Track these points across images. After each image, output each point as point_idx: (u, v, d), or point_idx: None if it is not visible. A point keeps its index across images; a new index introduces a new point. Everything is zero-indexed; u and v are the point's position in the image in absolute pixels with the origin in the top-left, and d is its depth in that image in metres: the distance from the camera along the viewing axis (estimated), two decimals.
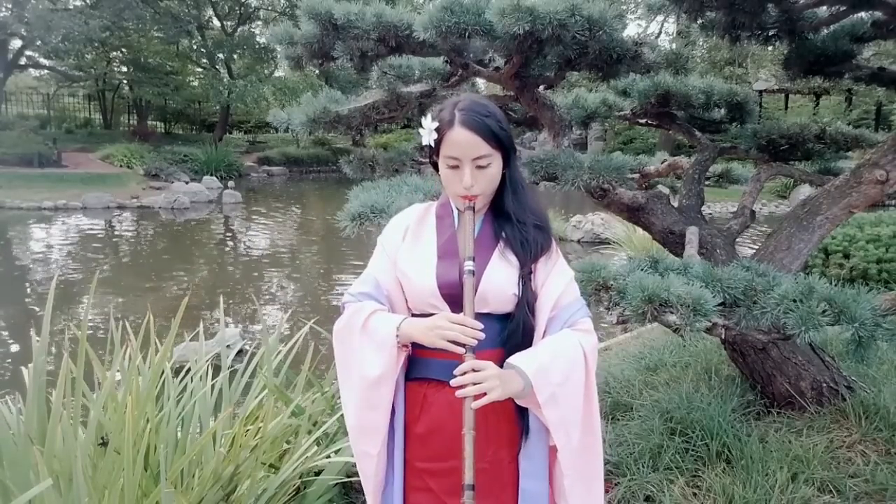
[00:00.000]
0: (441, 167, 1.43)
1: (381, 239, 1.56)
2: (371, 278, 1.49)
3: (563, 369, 1.36)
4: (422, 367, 1.47)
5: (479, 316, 1.35)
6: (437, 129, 1.40)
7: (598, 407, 1.45)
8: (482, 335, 1.32)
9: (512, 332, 1.41)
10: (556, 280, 1.44)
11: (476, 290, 1.37)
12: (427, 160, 1.54)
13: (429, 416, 1.45)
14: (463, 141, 1.36)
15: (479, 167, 1.38)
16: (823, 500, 2.41)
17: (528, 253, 1.42)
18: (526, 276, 1.42)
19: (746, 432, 2.74)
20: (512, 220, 1.44)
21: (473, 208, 1.40)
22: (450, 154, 1.39)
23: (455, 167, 1.39)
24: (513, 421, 1.44)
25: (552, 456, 1.47)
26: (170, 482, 1.76)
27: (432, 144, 1.42)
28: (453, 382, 1.28)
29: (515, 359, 1.36)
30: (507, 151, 1.42)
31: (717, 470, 2.54)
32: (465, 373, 1.28)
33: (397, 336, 1.37)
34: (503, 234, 1.44)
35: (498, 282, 1.41)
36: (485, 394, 1.27)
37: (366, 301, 1.46)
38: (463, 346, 1.30)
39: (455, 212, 1.49)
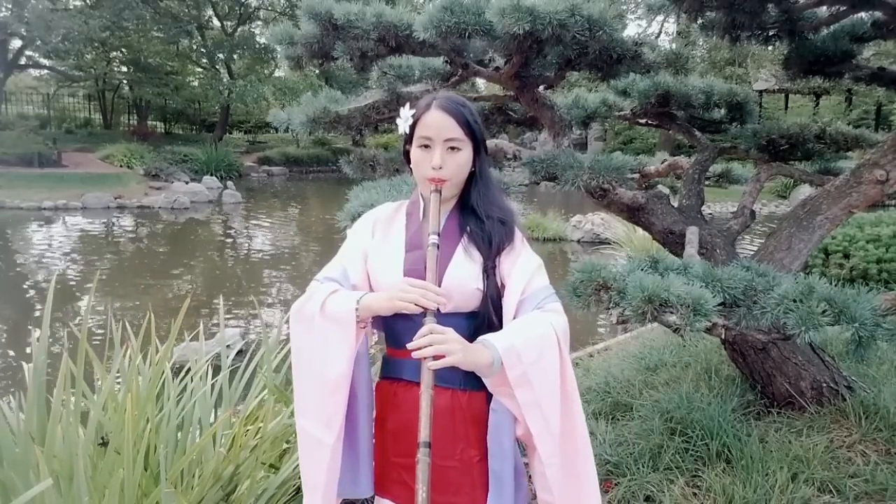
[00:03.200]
0: (413, 151, 1.45)
1: (350, 231, 1.57)
2: (339, 265, 1.50)
3: (535, 348, 1.34)
4: (393, 367, 1.49)
5: (444, 315, 1.35)
6: (414, 115, 1.44)
7: (577, 392, 1.42)
8: (444, 300, 1.32)
9: (478, 328, 1.41)
10: (524, 268, 1.44)
11: (440, 286, 1.37)
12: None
13: (399, 415, 1.45)
14: (437, 121, 1.40)
15: (450, 150, 1.41)
16: (823, 500, 2.41)
17: (490, 247, 1.43)
18: (489, 271, 1.42)
19: (746, 432, 2.74)
20: (476, 215, 1.46)
21: (440, 192, 1.41)
22: (423, 134, 1.42)
23: (427, 147, 1.42)
24: (481, 422, 1.43)
25: (527, 448, 1.46)
26: (170, 482, 1.76)
27: (407, 131, 1.45)
28: (410, 345, 1.27)
29: (486, 335, 1.36)
30: (478, 144, 1.45)
31: (717, 470, 2.54)
32: (424, 336, 1.27)
33: (357, 310, 1.36)
34: (467, 228, 1.46)
35: (461, 277, 1.42)
36: (444, 357, 1.26)
37: (327, 283, 1.46)
38: (424, 311, 1.30)
39: (423, 205, 1.50)
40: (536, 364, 1.34)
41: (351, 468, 1.48)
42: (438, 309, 1.32)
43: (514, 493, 1.43)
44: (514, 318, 1.41)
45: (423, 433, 1.22)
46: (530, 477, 1.51)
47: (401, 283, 1.35)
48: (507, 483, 1.42)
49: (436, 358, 1.26)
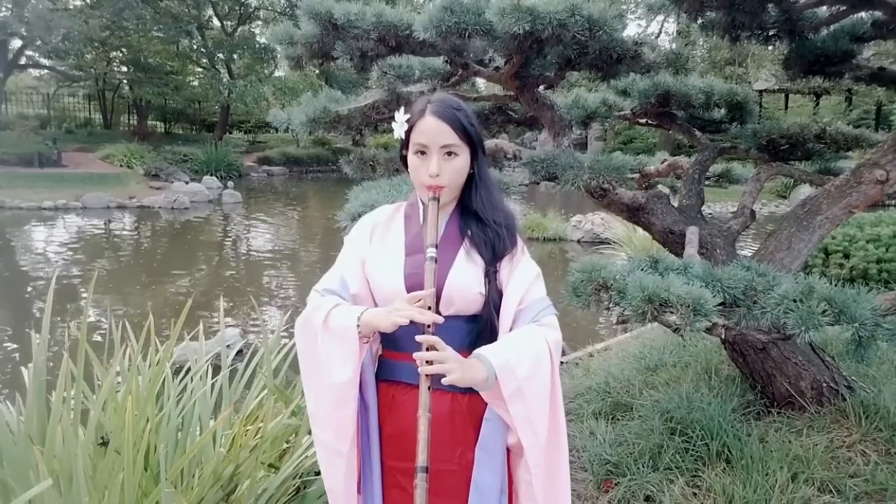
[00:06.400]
0: (410, 157, 1.44)
1: (348, 238, 1.56)
2: (338, 276, 1.49)
3: (529, 364, 1.35)
4: (391, 370, 1.48)
5: (446, 318, 1.35)
6: (408, 121, 1.43)
7: (562, 404, 1.44)
8: (441, 318, 1.32)
9: (480, 332, 1.41)
10: (522, 276, 1.44)
11: (441, 291, 1.38)
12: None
13: (397, 418, 1.45)
14: (432, 128, 1.39)
15: (447, 156, 1.40)
16: (823, 500, 2.41)
17: (493, 251, 1.43)
18: (491, 275, 1.42)
19: (746, 432, 2.74)
20: (478, 219, 1.46)
21: (438, 199, 1.41)
22: (419, 141, 1.41)
23: (423, 154, 1.41)
24: (480, 426, 1.43)
25: (512, 455, 1.47)
26: (170, 482, 1.76)
27: (403, 136, 1.45)
28: (415, 355, 1.28)
29: (482, 350, 1.36)
30: (475, 148, 1.44)
31: (717, 470, 2.54)
32: (426, 349, 1.28)
33: (358, 326, 1.36)
34: (468, 232, 1.46)
35: (463, 281, 1.41)
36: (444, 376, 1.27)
37: (329, 296, 1.46)
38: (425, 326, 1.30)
39: (422, 209, 1.50)
40: (530, 380, 1.35)
41: (367, 479, 1.48)
42: (439, 311, 1.33)
43: None
44: (511, 327, 1.42)
45: (421, 458, 1.22)
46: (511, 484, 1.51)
47: (398, 302, 1.35)
48: (489, 497, 1.41)
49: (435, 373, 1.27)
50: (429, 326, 1.31)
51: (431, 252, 1.36)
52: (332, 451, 1.45)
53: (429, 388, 1.27)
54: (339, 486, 1.45)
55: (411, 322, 1.32)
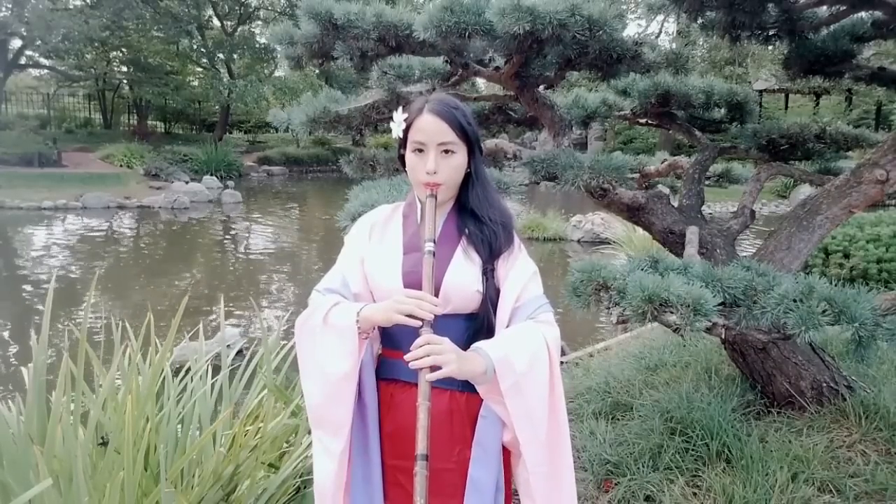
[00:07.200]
0: (408, 156, 1.45)
1: (348, 238, 1.57)
2: (339, 275, 1.50)
3: (527, 359, 1.35)
4: (390, 368, 1.48)
5: (443, 316, 1.35)
6: (406, 119, 1.44)
7: (564, 402, 1.44)
8: (439, 309, 1.32)
9: (477, 331, 1.42)
10: (519, 274, 1.45)
11: (439, 289, 1.38)
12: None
13: (396, 416, 1.45)
14: (430, 126, 1.40)
15: (444, 153, 1.41)
16: (823, 500, 2.41)
17: (490, 250, 1.43)
18: (488, 273, 1.43)
19: (746, 432, 2.74)
20: (475, 217, 1.46)
21: (436, 197, 1.42)
22: (416, 139, 1.42)
23: (421, 151, 1.42)
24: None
25: (511, 454, 1.46)
26: (170, 482, 1.76)
27: (401, 135, 1.46)
28: (407, 357, 1.27)
29: (480, 343, 1.36)
30: (472, 146, 1.45)
31: (717, 470, 2.54)
32: (420, 347, 1.28)
33: (357, 322, 1.37)
34: (466, 230, 1.46)
35: (461, 280, 1.42)
36: (440, 368, 1.27)
37: (330, 295, 1.46)
38: (421, 321, 1.30)
39: (420, 208, 1.50)
40: (528, 375, 1.35)
41: (364, 477, 1.48)
42: (436, 315, 1.33)
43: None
44: (508, 325, 1.42)
45: (421, 446, 1.22)
46: (509, 483, 1.50)
47: (397, 295, 1.35)
48: (486, 493, 1.41)
49: (432, 368, 1.26)
50: (421, 326, 1.31)
51: (430, 246, 1.36)
52: (325, 451, 1.45)
53: (427, 379, 1.27)
54: (329, 490, 1.44)
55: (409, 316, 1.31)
